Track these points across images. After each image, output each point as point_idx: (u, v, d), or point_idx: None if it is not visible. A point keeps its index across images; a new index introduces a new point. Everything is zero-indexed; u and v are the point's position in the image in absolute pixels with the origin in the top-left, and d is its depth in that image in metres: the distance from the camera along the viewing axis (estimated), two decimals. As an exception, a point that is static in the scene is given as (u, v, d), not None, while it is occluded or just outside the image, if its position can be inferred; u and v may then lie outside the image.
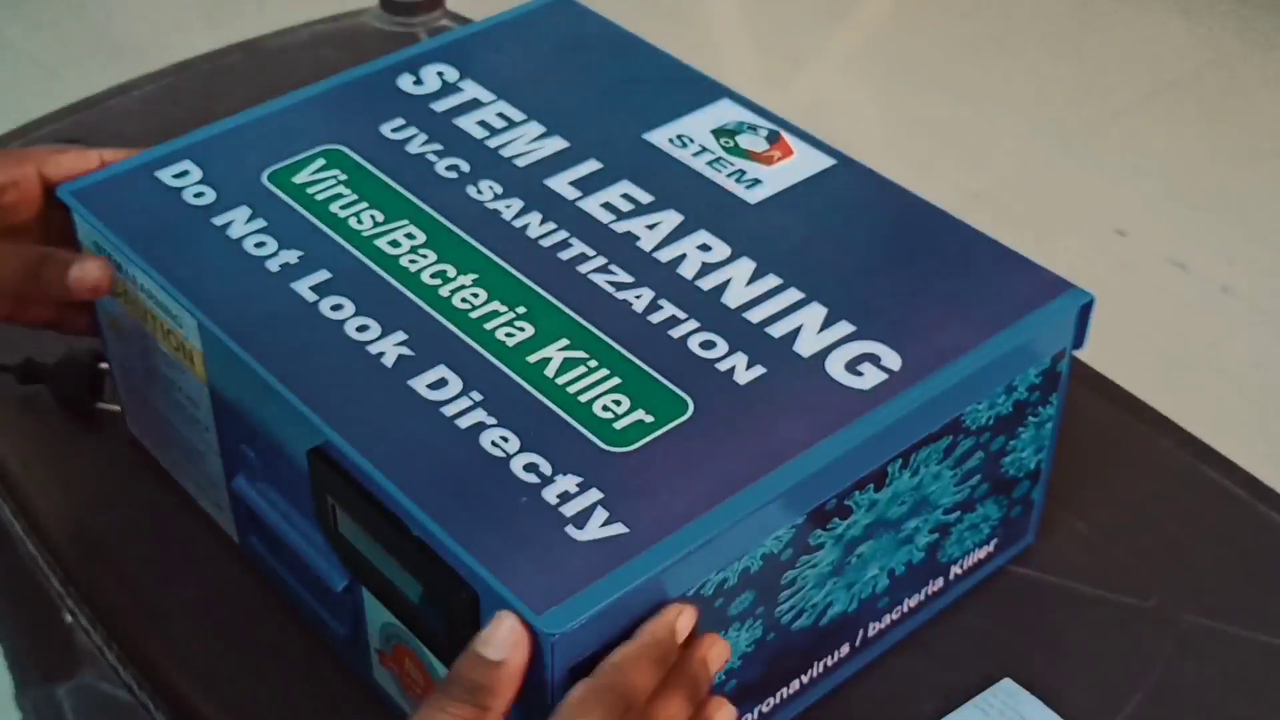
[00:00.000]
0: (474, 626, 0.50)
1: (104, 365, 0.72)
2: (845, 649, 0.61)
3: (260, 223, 0.65)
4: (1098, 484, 0.70)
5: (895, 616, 0.63)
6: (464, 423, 0.55)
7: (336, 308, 0.61)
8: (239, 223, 0.65)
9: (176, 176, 0.67)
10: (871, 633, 0.62)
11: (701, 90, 0.74)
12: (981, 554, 0.66)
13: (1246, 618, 0.65)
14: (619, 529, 0.51)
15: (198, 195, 0.66)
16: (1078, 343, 0.63)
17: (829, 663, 0.61)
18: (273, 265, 0.63)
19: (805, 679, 0.61)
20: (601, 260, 0.63)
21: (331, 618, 0.62)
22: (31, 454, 0.73)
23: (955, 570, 0.65)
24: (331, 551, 0.59)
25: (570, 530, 0.51)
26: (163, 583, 0.66)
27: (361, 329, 0.60)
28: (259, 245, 0.64)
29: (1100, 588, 0.66)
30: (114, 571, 0.67)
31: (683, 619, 0.51)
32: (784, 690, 0.60)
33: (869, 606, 0.61)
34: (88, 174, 0.67)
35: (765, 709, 0.60)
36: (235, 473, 0.64)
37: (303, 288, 0.61)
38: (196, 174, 0.67)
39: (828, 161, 0.69)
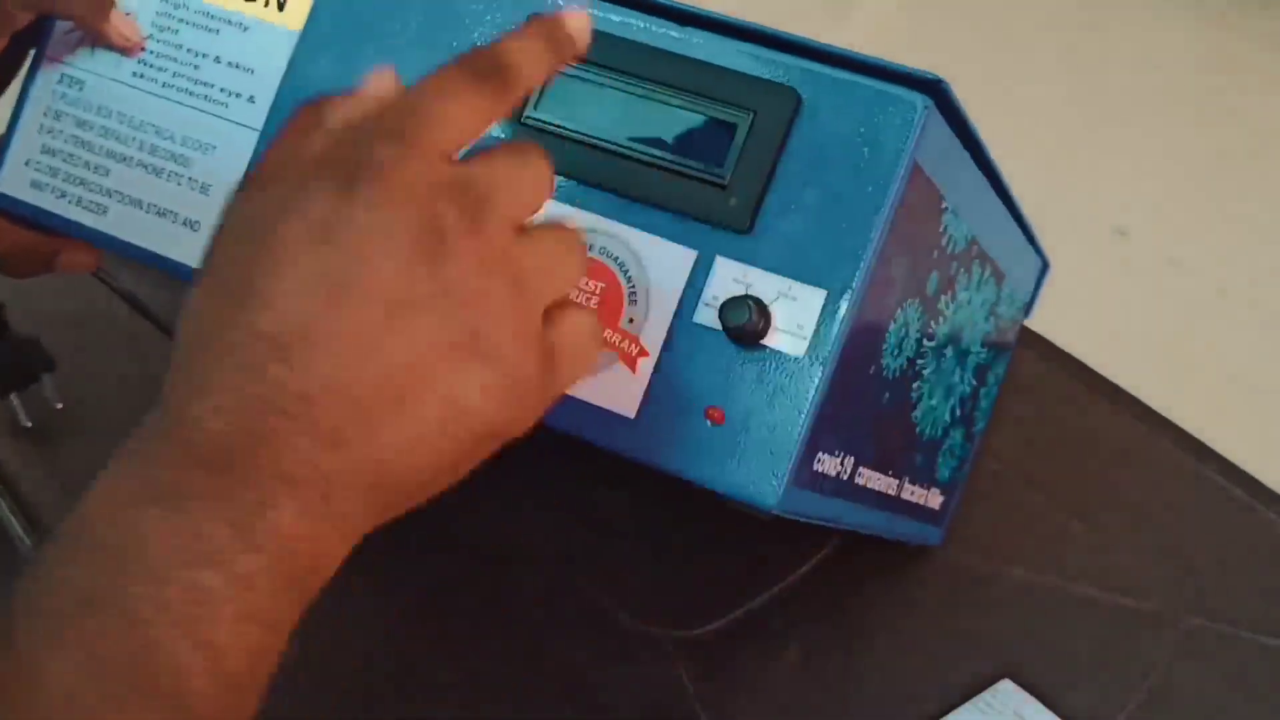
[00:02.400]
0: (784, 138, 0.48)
1: (46, 376, 0.71)
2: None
3: None
4: (1097, 484, 0.70)
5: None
6: None
7: None
8: None
9: None
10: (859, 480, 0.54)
11: None
12: (924, 497, 0.61)
13: (1246, 618, 0.65)
14: None
15: None
16: (1026, 311, 0.67)
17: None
18: None
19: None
20: None
21: None
22: (31, 451, 0.72)
23: (908, 486, 0.59)
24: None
25: None
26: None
27: None
28: None
29: (1099, 588, 0.66)
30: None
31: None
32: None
33: None
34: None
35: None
36: None
37: None
38: None
39: None
